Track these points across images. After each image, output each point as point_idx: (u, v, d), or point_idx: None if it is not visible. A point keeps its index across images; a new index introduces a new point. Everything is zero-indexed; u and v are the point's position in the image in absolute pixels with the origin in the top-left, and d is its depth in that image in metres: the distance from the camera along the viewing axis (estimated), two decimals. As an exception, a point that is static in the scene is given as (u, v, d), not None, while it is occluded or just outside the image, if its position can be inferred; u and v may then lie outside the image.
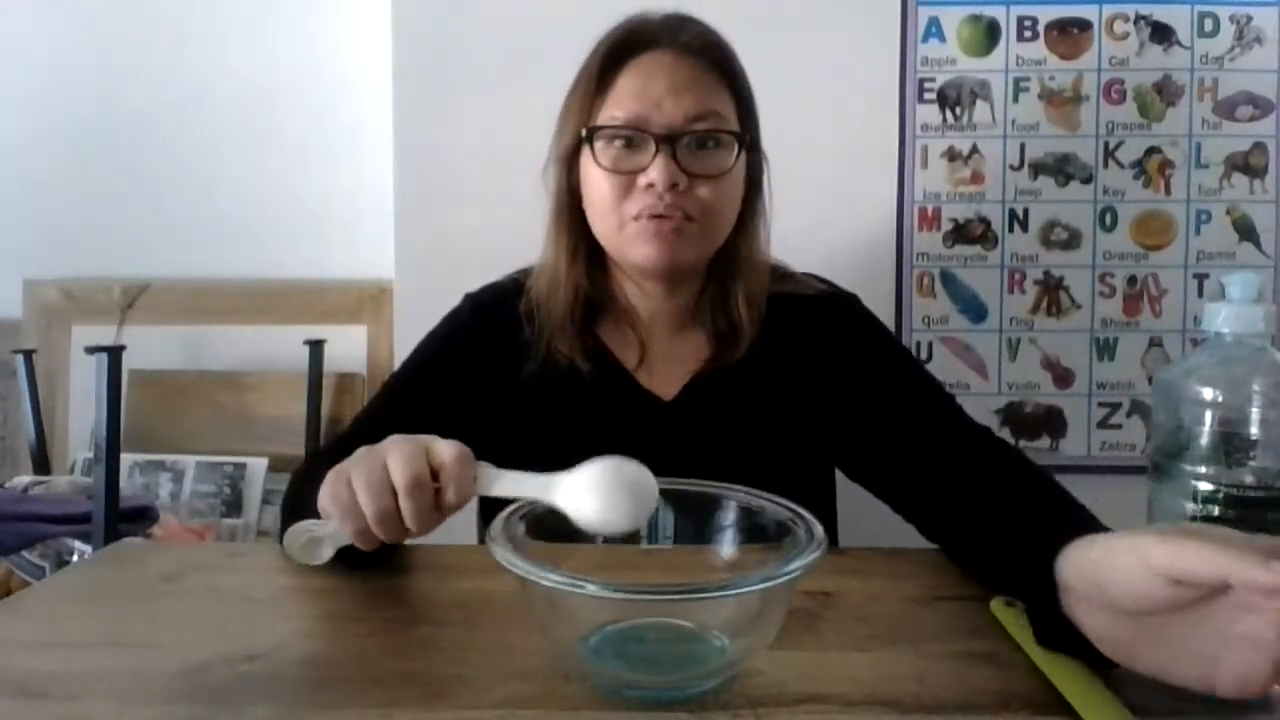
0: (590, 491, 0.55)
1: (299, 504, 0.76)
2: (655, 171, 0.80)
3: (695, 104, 0.81)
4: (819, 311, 0.94)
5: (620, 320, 0.91)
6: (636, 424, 0.88)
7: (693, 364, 0.90)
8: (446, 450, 0.57)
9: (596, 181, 0.83)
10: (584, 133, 0.83)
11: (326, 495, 0.59)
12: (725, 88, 0.85)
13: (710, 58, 0.84)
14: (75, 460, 1.77)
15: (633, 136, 0.81)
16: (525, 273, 0.94)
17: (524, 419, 0.89)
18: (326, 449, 0.88)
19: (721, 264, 0.89)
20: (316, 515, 0.65)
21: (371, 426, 0.79)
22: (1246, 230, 1.44)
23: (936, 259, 1.46)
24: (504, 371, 0.90)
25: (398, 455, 0.56)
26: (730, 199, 0.85)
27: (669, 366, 0.90)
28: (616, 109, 0.82)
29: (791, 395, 0.91)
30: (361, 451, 0.59)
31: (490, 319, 0.93)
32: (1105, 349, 1.46)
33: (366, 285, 1.79)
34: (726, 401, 0.89)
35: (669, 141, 0.80)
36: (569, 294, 0.88)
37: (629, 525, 0.55)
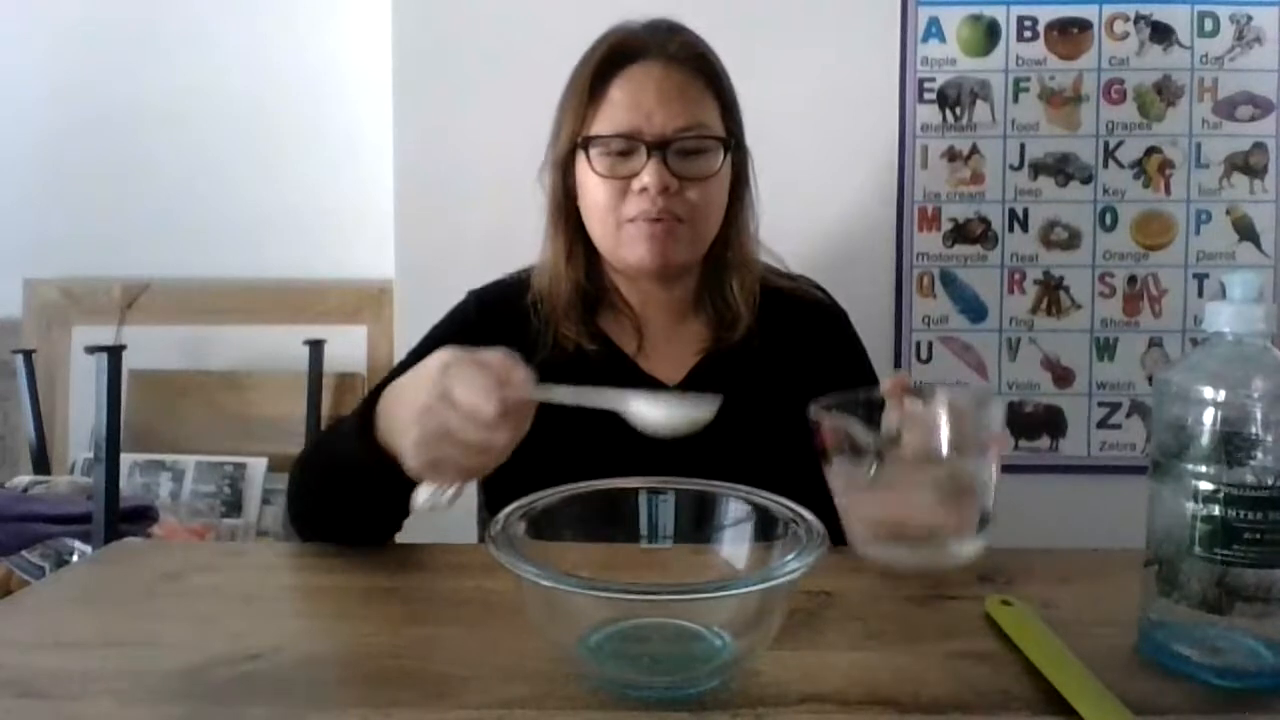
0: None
1: (307, 491, 0.80)
2: (648, 176, 0.85)
3: (683, 114, 0.86)
4: (813, 317, 1.00)
5: (618, 312, 0.96)
6: None
7: (693, 350, 0.95)
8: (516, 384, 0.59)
9: (592, 187, 0.88)
10: (580, 141, 0.88)
11: (424, 467, 0.61)
12: (710, 94, 0.90)
13: (695, 67, 0.89)
14: (75, 460, 1.77)
15: (626, 145, 0.86)
16: (527, 271, 0.98)
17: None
18: (330, 431, 0.90)
19: (715, 258, 0.94)
20: (323, 500, 0.73)
21: None
22: (1246, 230, 1.44)
23: (936, 259, 1.46)
24: None
25: (478, 408, 0.58)
26: (717, 200, 0.91)
27: (670, 354, 0.95)
28: (610, 118, 0.87)
29: (786, 385, 0.94)
30: (429, 425, 0.59)
31: (495, 312, 0.96)
32: (1105, 349, 1.46)
33: (366, 285, 1.79)
34: (729, 387, 0.93)
35: (660, 148, 0.85)
36: (569, 288, 0.93)
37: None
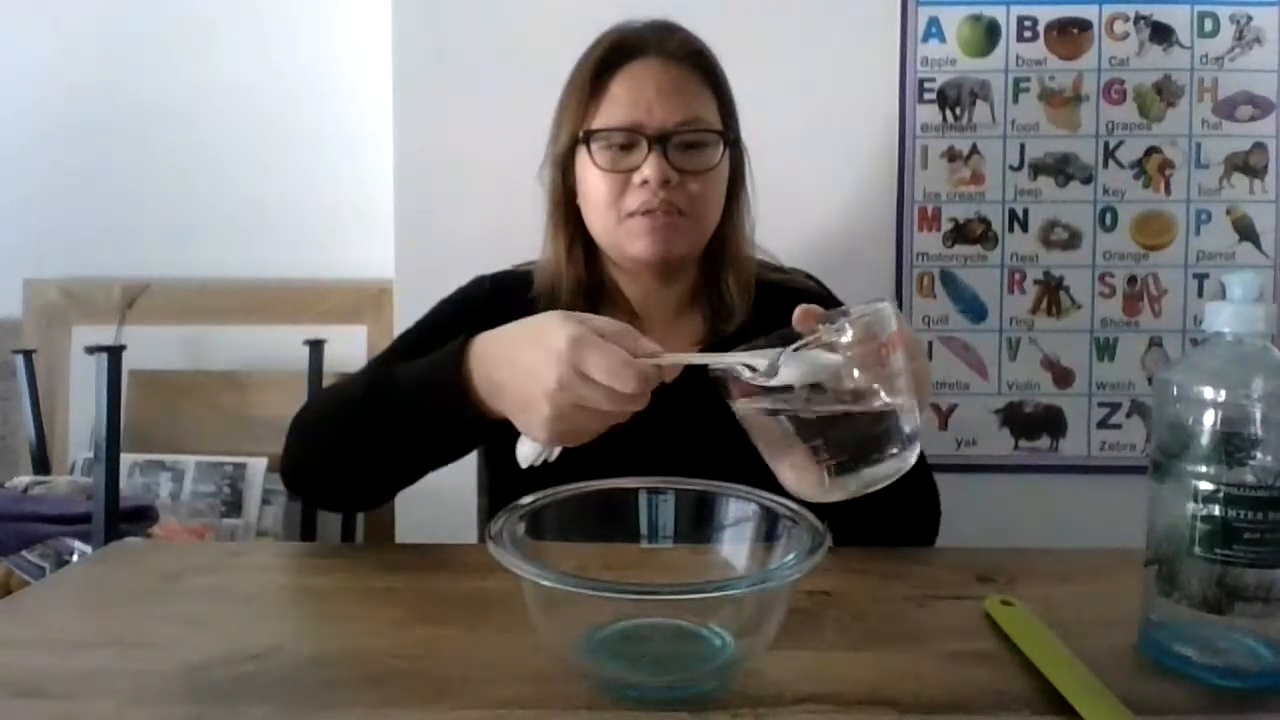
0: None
1: (339, 434, 0.80)
2: (649, 169, 0.86)
3: (682, 108, 0.88)
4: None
5: (618, 308, 0.96)
6: None
7: (690, 345, 0.96)
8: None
9: (594, 181, 0.89)
10: (581, 135, 0.89)
11: (555, 438, 0.61)
12: (708, 90, 0.92)
13: (694, 63, 0.91)
14: (75, 460, 1.77)
15: (627, 139, 0.88)
16: (532, 263, 0.99)
17: None
18: (337, 386, 0.91)
19: (712, 254, 0.96)
20: (363, 443, 0.73)
21: None
22: (1246, 230, 1.43)
23: (936, 259, 1.46)
24: None
25: (614, 377, 0.58)
26: (716, 193, 0.92)
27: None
28: (611, 113, 0.88)
29: None
30: (549, 382, 0.59)
31: (506, 295, 0.97)
32: (1105, 349, 1.46)
33: (366, 285, 1.79)
34: None
35: (660, 142, 0.86)
36: (570, 286, 0.94)
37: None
